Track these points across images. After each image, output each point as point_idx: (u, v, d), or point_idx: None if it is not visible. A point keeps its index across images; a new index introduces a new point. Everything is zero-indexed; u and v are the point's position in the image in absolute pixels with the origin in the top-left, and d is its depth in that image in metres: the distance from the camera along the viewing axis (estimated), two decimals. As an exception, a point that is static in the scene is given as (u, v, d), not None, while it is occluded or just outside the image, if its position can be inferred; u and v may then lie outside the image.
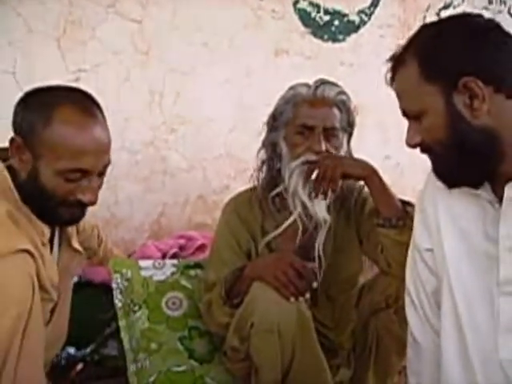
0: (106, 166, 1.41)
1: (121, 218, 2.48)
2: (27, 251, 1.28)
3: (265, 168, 1.90)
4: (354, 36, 2.94)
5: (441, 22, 1.22)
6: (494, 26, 1.15)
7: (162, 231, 2.54)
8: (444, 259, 1.26)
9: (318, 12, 2.84)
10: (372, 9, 2.98)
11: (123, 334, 1.87)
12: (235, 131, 2.68)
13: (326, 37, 2.87)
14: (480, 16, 1.18)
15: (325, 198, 1.74)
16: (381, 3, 3.00)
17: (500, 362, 1.18)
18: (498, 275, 1.18)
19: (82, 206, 1.41)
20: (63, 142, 1.31)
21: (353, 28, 2.94)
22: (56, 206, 1.37)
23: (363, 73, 2.93)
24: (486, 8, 3.32)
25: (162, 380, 1.80)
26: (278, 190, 1.83)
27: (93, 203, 1.40)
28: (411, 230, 1.42)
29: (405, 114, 1.23)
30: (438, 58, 1.15)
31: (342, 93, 1.85)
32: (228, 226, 1.87)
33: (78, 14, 2.33)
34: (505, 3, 3.37)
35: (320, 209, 1.78)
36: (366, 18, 2.96)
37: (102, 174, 1.41)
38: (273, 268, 1.61)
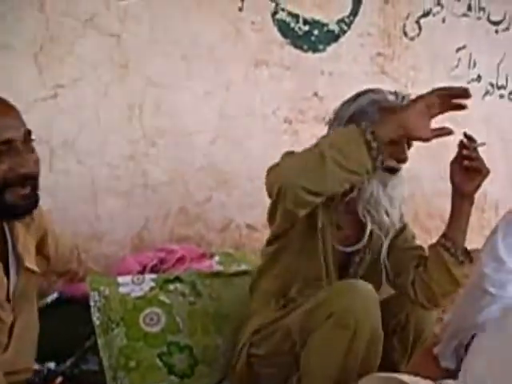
0: (28, 133, 1.44)
1: (102, 232, 2.48)
2: None
3: None
4: (333, 45, 2.95)
5: None
6: None
7: (145, 245, 2.54)
8: None
9: (297, 22, 2.85)
10: (351, 18, 3.00)
11: (102, 352, 1.87)
12: (216, 143, 2.69)
13: (305, 47, 2.88)
14: None
15: None
16: (360, 12, 3.02)
17: None
18: None
19: (25, 182, 1.44)
20: None
21: (332, 37, 2.95)
22: (2, 193, 1.41)
23: (344, 82, 2.94)
24: (465, 15, 3.34)
25: (141, 397, 1.80)
26: (351, 195, 1.72)
27: (35, 173, 1.45)
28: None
29: None
30: None
31: None
32: None
33: (55, 29, 2.33)
34: (484, 10, 3.39)
35: (396, 216, 1.75)
36: (345, 28, 2.98)
37: (28, 143, 1.45)
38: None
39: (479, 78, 3.43)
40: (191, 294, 2.02)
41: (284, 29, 2.82)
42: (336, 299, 1.56)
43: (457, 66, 3.38)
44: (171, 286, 2.02)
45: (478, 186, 1.66)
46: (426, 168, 3.19)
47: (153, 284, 2.02)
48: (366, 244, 1.77)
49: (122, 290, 1.96)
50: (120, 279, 2.00)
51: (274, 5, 2.77)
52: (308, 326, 1.60)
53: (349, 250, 1.78)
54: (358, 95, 1.74)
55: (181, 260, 2.28)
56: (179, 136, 2.59)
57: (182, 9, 2.57)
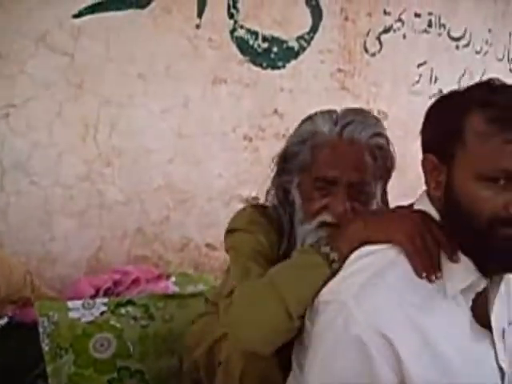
0: None
1: (57, 254, 2.43)
2: None
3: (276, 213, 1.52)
4: (293, 62, 2.95)
5: None
6: None
7: (101, 266, 2.49)
8: None
9: (256, 39, 2.83)
10: (311, 34, 3.00)
11: (51, 380, 1.81)
12: (174, 161, 2.65)
13: (265, 64, 2.87)
14: None
15: None
16: (320, 29, 3.02)
17: None
18: None
19: None
20: None
21: (292, 54, 2.94)
22: None
23: (304, 99, 2.94)
24: (425, 31, 3.36)
25: (91, 426, 1.75)
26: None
27: None
28: None
29: None
30: None
31: (378, 134, 1.42)
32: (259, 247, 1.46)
33: (5, 48, 2.28)
34: (444, 26, 3.42)
35: None
36: (305, 44, 2.97)
37: None
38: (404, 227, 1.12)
39: (440, 93, 3.44)
40: (143, 317, 1.96)
41: (243, 46, 2.80)
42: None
43: (418, 82, 3.40)
44: (123, 310, 1.97)
45: None
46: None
47: (104, 308, 1.96)
48: None
49: (71, 315, 1.90)
50: (70, 304, 1.94)
51: (232, 22, 2.76)
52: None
53: None
54: (300, 124, 1.49)
55: (136, 282, 2.25)
56: (136, 155, 2.56)
57: (138, 26, 2.54)
